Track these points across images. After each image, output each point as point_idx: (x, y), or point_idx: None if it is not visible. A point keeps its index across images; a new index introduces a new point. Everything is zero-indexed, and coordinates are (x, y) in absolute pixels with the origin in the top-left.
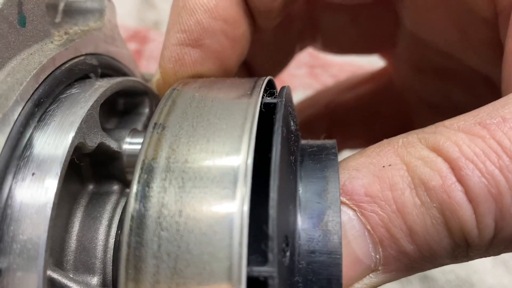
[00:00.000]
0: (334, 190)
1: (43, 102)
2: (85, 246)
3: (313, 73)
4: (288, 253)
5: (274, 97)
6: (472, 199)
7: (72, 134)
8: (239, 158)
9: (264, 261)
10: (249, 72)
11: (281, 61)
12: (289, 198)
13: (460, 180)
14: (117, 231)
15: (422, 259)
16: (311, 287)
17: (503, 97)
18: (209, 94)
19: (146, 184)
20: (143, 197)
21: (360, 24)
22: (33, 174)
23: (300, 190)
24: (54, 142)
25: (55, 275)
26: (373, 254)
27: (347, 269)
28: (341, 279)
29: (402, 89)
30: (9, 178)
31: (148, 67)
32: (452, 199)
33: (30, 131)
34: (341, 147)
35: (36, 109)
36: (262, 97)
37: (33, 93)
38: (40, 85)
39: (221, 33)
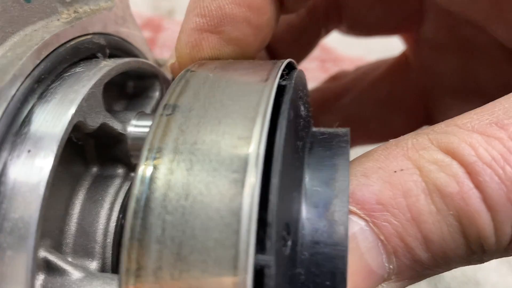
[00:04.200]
0: (342, 178)
1: (44, 79)
2: (85, 229)
3: (324, 67)
4: (289, 242)
5: (284, 79)
6: (490, 207)
7: (71, 112)
8: (251, 141)
9: (262, 249)
10: (272, 56)
11: (306, 46)
12: (294, 185)
13: (478, 186)
14: (118, 215)
15: (436, 265)
16: (313, 280)
17: None
18: (224, 75)
19: (153, 166)
20: (149, 178)
21: (385, 2)
22: (28, 151)
23: (307, 177)
24: (52, 120)
25: (52, 258)
26: (386, 264)
27: (360, 281)
28: (346, 273)
29: (422, 75)
30: (4, 154)
31: (162, 55)
32: (470, 207)
33: (29, 107)
34: (355, 143)
35: (36, 85)
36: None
37: (33, 69)
38: (41, 61)
39: (243, 20)
